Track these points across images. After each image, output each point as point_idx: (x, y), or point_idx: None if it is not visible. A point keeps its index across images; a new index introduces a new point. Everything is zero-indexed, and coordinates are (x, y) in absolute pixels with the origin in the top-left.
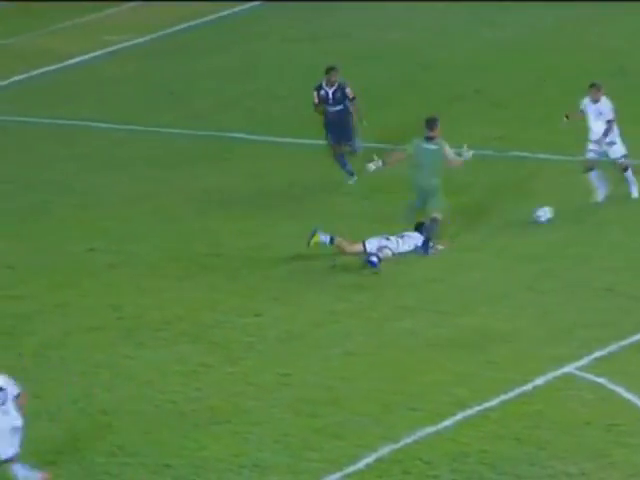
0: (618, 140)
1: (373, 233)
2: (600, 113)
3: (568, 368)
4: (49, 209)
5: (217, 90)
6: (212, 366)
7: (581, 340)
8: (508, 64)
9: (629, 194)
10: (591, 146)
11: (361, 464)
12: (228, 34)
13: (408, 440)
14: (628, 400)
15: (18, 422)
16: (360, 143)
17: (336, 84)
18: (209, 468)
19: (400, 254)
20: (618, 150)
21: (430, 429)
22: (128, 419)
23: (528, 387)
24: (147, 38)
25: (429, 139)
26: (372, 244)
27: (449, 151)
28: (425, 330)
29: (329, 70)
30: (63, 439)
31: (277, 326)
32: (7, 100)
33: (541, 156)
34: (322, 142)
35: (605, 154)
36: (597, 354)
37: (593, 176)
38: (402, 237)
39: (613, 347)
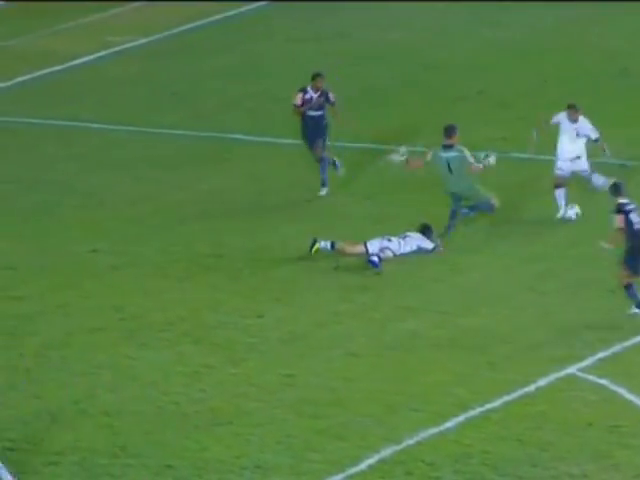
0: (584, 155)
1: (375, 234)
2: (578, 134)
3: (570, 369)
4: (51, 210)
5: (220, 90)
6: (214, 367)
7: (583, 341)
8: (510, 65)
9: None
10: (561, 164)
11: (363, 465)
12: (233, 34)
13: (410, 441)
14: (631, 401)
15: None
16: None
17: (321, 90)
18: (211, 469)
19: (402, 255)
20: (584, 164)
21: (432, 430)
22: (130, 420)
23: (530, 388)
24: (151, 38)
25: (448, 147)
26: (374, 245)
27: (469, 156)
28: (427, 331)
29: (315, 76)
30: (65, 440)
31: (279, 327)
32: (10, 101)
33: (544, 157)
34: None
35: (572, 172)
36: (600, 355)
37: (561, 194)
38: (404, 238)
39: (616, 348)
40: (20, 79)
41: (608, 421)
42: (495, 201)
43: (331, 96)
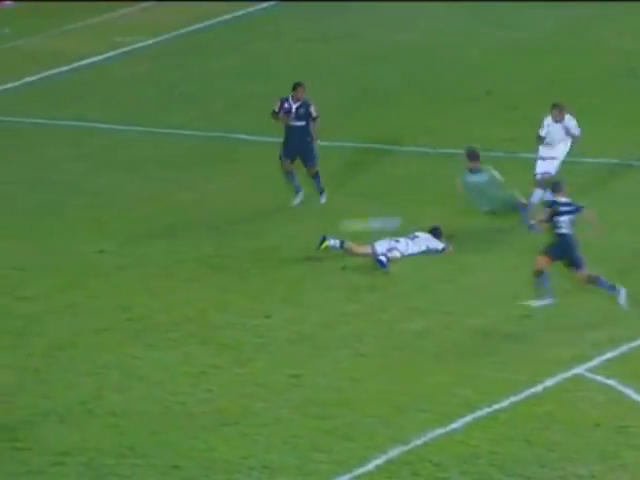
0: (559, 158)
1: (380, 234)
2: (567, 133)
3: (578, 369)
4: (59, 210)
5: (228, 91)
6: (221, 367)
7: (591, 341)
8: (518, 65)
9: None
10: (540, 163)
11: (370, 466)
12: (240, 34)
13: (418, 442)
14: (638, 402)
15: None
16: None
17: (301, 100)
18: (218, 469)
19: (410, 255)
20: (553, 167)
21: (440, 431)
22: (137, 420)
23: (538, 388)
24: (159, 39)
25: (474, 171)
26: (382, 246)
27: (498, 175)
28: (434, 331)
29: (296, 86)
30: (72, 440)
31: (287, 327)
32: (19, 101)
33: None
34: (330, 144)
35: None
36: (607, 355)
37: (539, 195)
38: (413, 239)
39: (624, 348)
40: (28, 79)
41: (616, 421)
42: (522, 199)
43: (313, 110)
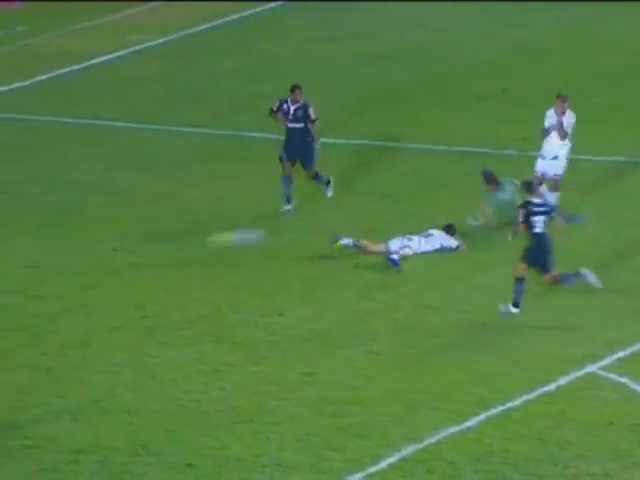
0: (563, 157)
1: (394, 232)
2: (564, 126)
3: (591, 368)
4: (73, 209)
5: (237, 90)
6: (235, 365)
7: (604, 340)
8: (530, 64)
9: None
10: (540, 162)
11: (384, 464)
12: (248, 34)
13: (431, 440)
14: None
15: None
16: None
17: (300, 102)
18: (231, 467)
19: (423, 253)
20: (559, 167)
21: (453, 429)
22: (151, 418)
23: (551, 387)
24: (168, 38)
25: (495, 189)
26: (395, 244)
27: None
28: (448, 329)
29: (294, 88)
30: (85, 438)
31: (300, 325)
32: (32, 99)
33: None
34: (341, 141)
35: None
36: (620, 354)
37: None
38: (427, 237)
39: (636, 347)
40: (39, 78)
41: (629, 420)
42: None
43: (311, 112)
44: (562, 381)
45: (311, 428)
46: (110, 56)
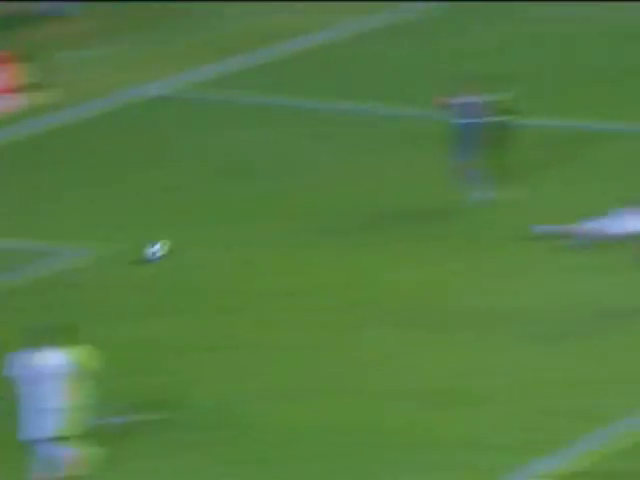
0: None
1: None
2: None
3: None
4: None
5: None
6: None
7: None
8: None
9: None
10: None
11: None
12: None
13: None
14: None
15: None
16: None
17: (478, 96)
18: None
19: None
20: None
21: None
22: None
23: None
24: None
25: None
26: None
27: None
28: None
29: (468, 82)
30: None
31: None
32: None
33: None
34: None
35: None
36: None
37: None
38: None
39: None
40: (261, 55)
41: None
42: None
43: (490, 105)
44: None
45: (518, 408)
46: (356, 31)
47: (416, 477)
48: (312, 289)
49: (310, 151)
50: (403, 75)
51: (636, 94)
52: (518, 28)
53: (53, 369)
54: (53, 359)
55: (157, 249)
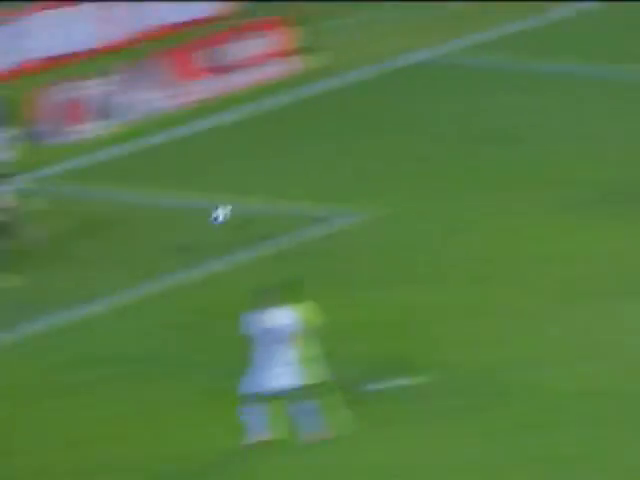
0: None
1: None
2: None
3: None
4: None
5: None
6: None
7: None
8: None
9: None
10: None
11: None
12: None
13: None
14: None
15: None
16: None
17: None
18: None
19: None
20: None
21: None
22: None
23: None
24: None
25: None
26: None
27: None
28: None
29: None
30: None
31: None
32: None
33: None
34: None
35: None
36: None
37: None
38: None
39: None
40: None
41: None
42: None
43: None
44: None
45: None
46: None
47: None
48: (569, 257)
49: (576, 118)
50: None
51: None
52: None
53: (284, 327)
54: (283, 317)
55: (219, 214)
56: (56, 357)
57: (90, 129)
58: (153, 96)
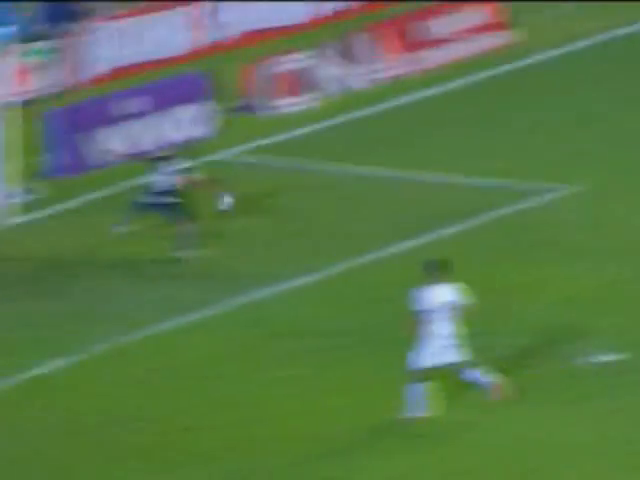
0: None
1: None
2: None
3: None
4: None
5: None
6: None
7: None
8: None
9: None
10: None
11: None
12: None
13: None
14: None
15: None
16: None
17: None
18: None
19: None
20: None
21: None
22: None
23: None
24: None
25: None
26: None
27: None
28: None
29: None
30: None
31: None
32: None
33: None
34: None
35: None
36: None
37: None
38: None
39: None
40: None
41: None
42: None
43: None
44: None
45: None
46: None
47: None
48: None
49: None
50: None
51: None
52: None
53: (446, 303)
54: (447, 294)
55: (224, 202)
56: (261, 329)
57: (298, 102)
58: (359, 70)
